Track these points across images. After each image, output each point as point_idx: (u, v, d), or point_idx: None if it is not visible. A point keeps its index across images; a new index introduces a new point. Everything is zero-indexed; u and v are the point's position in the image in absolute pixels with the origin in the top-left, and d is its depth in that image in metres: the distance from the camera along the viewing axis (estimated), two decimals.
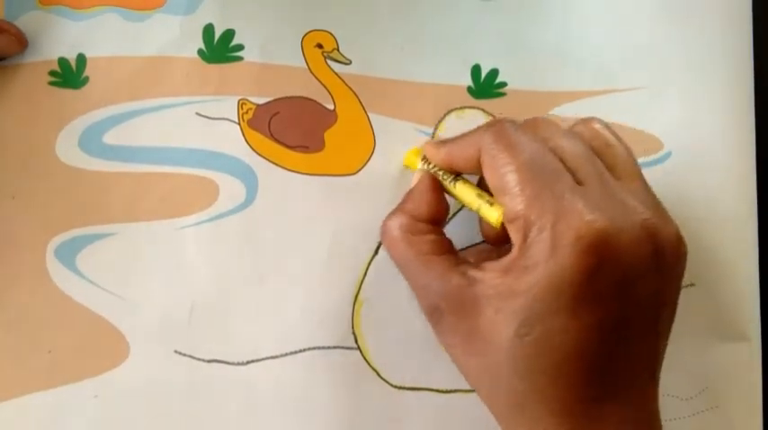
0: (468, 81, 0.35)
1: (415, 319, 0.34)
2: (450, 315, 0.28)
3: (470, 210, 0.31)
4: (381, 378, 0.34)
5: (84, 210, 0.34)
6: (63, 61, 0.35)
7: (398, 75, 0.35)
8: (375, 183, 0.34)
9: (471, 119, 0.35)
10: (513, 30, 0.35)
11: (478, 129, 0.29)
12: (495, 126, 0.29)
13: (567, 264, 0.25)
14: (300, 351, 0.34)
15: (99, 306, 0.34)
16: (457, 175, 0.31)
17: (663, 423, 0.28)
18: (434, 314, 0.29)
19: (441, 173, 0.31)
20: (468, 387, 0.34)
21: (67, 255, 0.34)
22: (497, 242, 0.31)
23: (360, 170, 0.35)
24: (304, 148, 0.35)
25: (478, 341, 0.27)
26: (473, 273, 0.28)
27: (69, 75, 0.35)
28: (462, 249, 0.34)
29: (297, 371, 0.34)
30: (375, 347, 0.34)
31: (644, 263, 0.26)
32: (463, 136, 0.30)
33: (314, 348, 0.34)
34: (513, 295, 0.26)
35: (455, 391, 0.34)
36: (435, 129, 0.35)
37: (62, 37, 0.35)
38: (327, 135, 0.35)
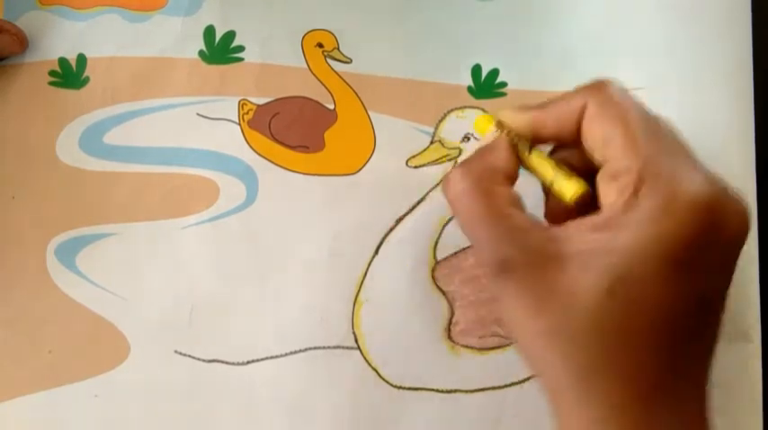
0: (469, 81, 0.35)
1: (415, 319, 0.34)
2: (522, 270, 0.26)
3: (542, 182, 0.29)
4: (381, 378, 0.34)
5: (85, 210, 0.34)
6: (63, 61, 0.35)
7: (399, 74, 0.35)
8: (375, 183, 0.34)
9: (471, 119, 0.35)
10: (513, 30, 0.35)
11: (580, 88, 0.28)
12: (604, 84, 0.28)
13: (676, 228, 0.25)
14: (300, 351, 0.34)
15: (99, 306, 0.34)
16: (531, 146, 0.29)
17: None
18: (504, 268, 0.26)
19: (517, 141, 0.29)
20: (468, 387, 0.34)
21: (68, 254, 0.34)
22: (561, 220, 0.29)
23: (360, 170, 0.35)
24: (304, 148, 0.35)
25: (554, 299, 0.26)
26: (556, 230, 0.26)
27: (69, 75, 0.35)
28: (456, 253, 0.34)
29: (297, 371, 0.34)
30: (375, 347, 0.34)
31: (744, 235, 0.26)
32: (560, 97, 0.29)
33: (314, 348, 0.34)
34: (608, 252, 0.25)
35: (455, 391, 0.34)
36: (435, 129, 0.35)
37: (62, 37, 0.35)
38: (328, 135, 0.35)
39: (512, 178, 0.29)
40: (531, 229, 0.26)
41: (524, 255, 0.26)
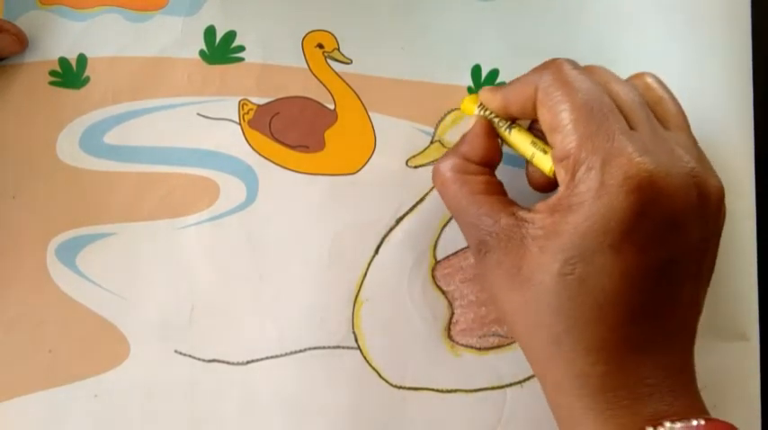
0: (468, 81, 0.35)
1: (415, 319, 0.34)
2: (496, 251, 0.28)
3: (523, 157, 0.31)
4: (381, 378, 0.34)
5: (85, 210, 0.34)
6: (63, 61, 0.35)
7: (399, 75, 0.35)
8: (375, 183, 0.34)
9: (471, 119, 0.35)
10: (513, 30, 0.35)
11: (536, 68, 0.30)
12: (554, 64, 0.29)
13: (614, 204, 0.26)
14: (300, 351, 0.34)
15: (99, 306, 0.34)
16: (512, 123, 0.31)
17: None
18: (482, 249, 0.29)
19: (496, 119, 0.32)
20: (468, 387, 0.34)
21: (68, 254, 0.34)
22: (544, 189, 0.32)
23: (360, 170, 0.35)
24: (304, 148, 0.35)
25: (521, 278, 0.28)
26: (522, 213, 0.28)
27: (70, 75, 0.35)
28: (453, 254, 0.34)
29: (297, 371, 0.34)
30: (375, 347, 0.34)
31: (689, 209, 0.27)
32: (519, 78, 0.30)
33: (314, 348, 0.34)
34: (557, 234, 0.27)
35: (455, 391, 0.34)
36: (435, 129, 0.35)
37: (62, 37, 0.35)
38: (328, 135, 0.35)
39: (489, 164, 0.31)
40: (501, 214, 0.29)
41: (495, 239, 0.29)
